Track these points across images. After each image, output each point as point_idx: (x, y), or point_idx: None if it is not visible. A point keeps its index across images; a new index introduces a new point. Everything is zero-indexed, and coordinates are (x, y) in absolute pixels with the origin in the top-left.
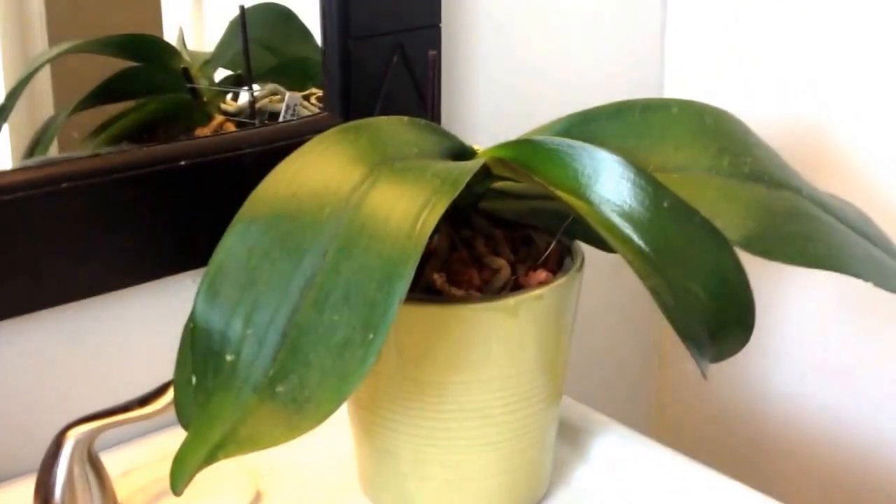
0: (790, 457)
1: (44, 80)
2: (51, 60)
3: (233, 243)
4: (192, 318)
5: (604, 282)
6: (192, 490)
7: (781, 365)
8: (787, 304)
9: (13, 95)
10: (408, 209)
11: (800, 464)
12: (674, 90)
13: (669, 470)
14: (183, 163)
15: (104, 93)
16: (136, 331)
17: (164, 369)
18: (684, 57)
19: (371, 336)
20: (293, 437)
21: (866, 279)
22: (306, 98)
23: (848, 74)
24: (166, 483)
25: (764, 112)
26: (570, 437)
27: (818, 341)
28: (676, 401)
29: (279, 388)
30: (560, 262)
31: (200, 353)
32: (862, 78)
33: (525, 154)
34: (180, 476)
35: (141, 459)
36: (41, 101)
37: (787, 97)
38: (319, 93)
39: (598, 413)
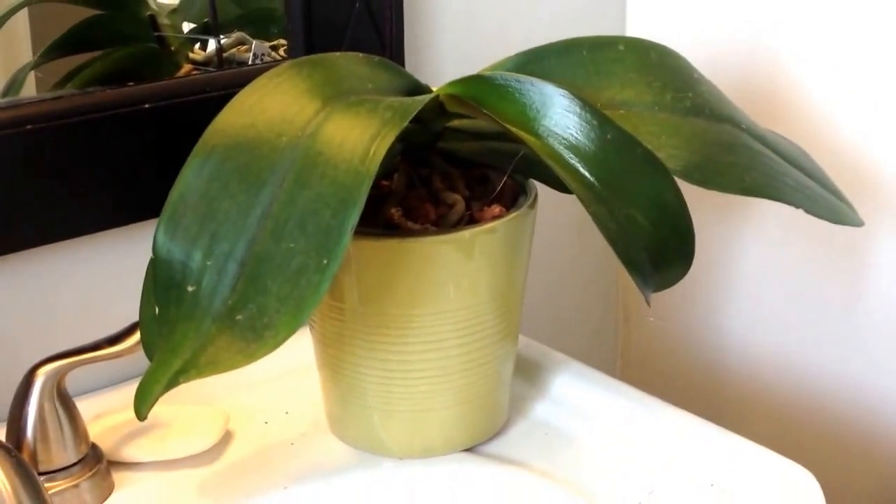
0: (749, 401)
1: (22, 27)
2: (16, 10)
3: (192, 175)
4: (153, 250)
5: (571, 238)
6: (164, 429)
7: (742, 312)
8: (741, 255)
9: None
10: (360, 138)
11: (758, 406)
12: (636, 30)
13: (626, 403)
14: (147, 105)
15: (70, 42)
16: (105, 276)
17: (135, 313)
18: None
19: (326, 262)
20: (250, 362)
21: (797, 206)
22: (274, 49)
23: (806, 18)
24: (137, 423)
25: (722, 52)
26: (529, 373)
27: (771, 290)
28: (640, 354)
29: (238, 317)
30: (515, 200)
31: (162, 284)
32: (819, 22)
33: (476, 89)
34: (143, 401)
35: (114, 405)
36: (19, 49)
37: (746, 38)
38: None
39: (556, 352)
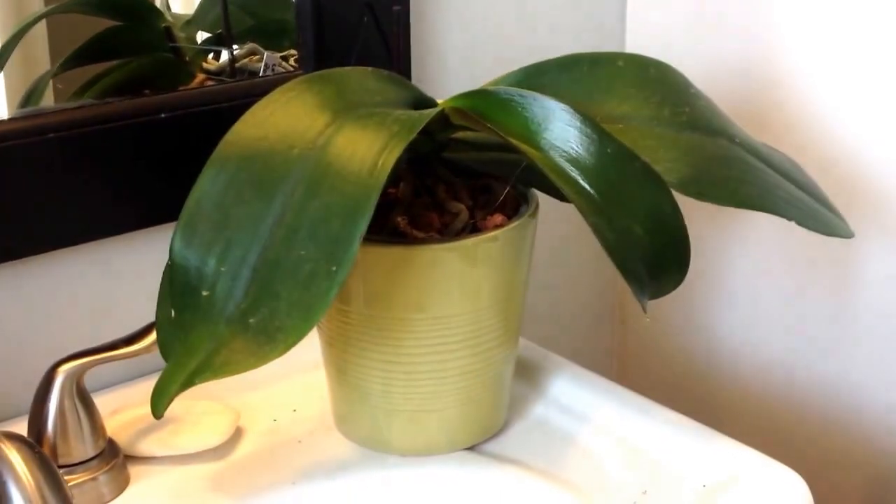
0: (742, 402)
1: (41, 37)
2: (36, 21)
3: (207, 184)
4: (169, 256)
5: (569, 241)
6: (176, 425)
7: (735, 318)
8: (736, 260)
9: (3, 54)
10: (369, 151)
11: (750, 408)
12: (633, 41)
13: (622, 405)
14: (163, 115)
15: (89, 52)
16: (122, 278)
17: (150, 314)
18: (646, 13)
19: (335, 269)
20: (262, 365)
21: (790, 219)
22: (285, 59)
23: (801, 32)
24: (152, 419)
25: (718, 64)
26: (529, 375)
27: (764, 295)
28: (636, 355)
29: (251, 321)
30: (517, 209)
31: (178, 289)
32: (813, 36)
33: (480, 103)
34: (160, 400)
35: (130, 400)
36: (37, 58)
37: (743, 54)
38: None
39: (555, 354)
